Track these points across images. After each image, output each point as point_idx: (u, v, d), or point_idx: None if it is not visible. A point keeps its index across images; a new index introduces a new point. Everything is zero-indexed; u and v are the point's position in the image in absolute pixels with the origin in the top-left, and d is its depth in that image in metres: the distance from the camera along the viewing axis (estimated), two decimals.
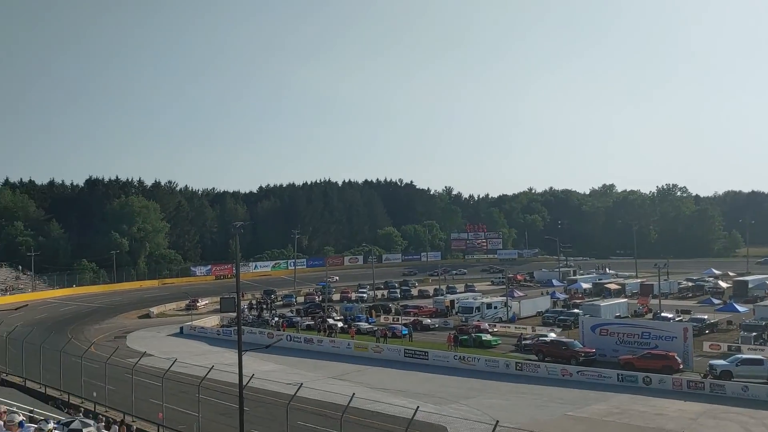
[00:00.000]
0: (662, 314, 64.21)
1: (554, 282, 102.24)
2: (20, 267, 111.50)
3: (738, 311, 66.69)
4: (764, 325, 53.60)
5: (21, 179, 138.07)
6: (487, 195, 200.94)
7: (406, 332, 60.44)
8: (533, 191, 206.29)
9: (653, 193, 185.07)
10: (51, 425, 9.55)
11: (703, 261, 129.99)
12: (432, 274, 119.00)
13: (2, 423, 9.48)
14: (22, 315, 77.16)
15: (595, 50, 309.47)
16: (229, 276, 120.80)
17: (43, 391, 38.63)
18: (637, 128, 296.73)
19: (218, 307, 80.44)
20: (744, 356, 44.31)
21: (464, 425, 31.62)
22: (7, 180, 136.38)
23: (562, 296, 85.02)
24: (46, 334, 50.47)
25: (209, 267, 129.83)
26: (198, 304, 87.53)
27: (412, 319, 68.17)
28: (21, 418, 10.19)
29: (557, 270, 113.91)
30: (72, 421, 20.00)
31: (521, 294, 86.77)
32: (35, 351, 43.39)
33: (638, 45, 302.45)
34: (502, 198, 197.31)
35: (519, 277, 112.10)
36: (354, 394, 26.61)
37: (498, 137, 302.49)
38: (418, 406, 25.11)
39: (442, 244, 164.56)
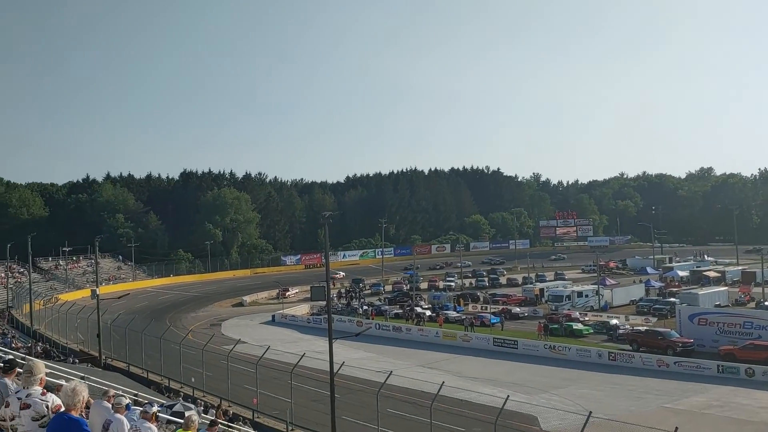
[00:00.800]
0: (765, 303, 61.25)
1: (648, 270, 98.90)
2: (121, 257, 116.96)
3: None
4: None
5: (120, 173, 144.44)
6: (577, 181, 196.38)
7: (496, 321, 59.96)
8: (625, 176, 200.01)
9: (755, 176, 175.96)
10: (155, 408, 9.96)
11: None
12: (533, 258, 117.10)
13: (110, 405, 9.92)
14: (124, 303, 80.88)
15: (688, 32, 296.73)
16: (318, 265, 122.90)
17: (145, 376, 40.51)
18: (735, 108, 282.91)
19: (308, 295, 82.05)
20: None
21: (555, 415, 31.14)
22: (108, 175, 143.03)
23: (657, 284, 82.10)
24: (147, 322, 52.72)
25: (299, 256, 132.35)
26: (288, 293, 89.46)
27: (501, 307, 67.54)
28: (127, 400, 10.65)
29: (651, 257, 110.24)
30: (174, 404, 20.87)
31: (613, 282, 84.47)
32: (137, 338, 45.51)
33: (730, 23, 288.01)
34: (592, 184, 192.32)
35: (611, 264, 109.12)
36: (443, 382, 26.67)
37: (588, 121, 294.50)
38: (508, 395, 24.95)
39: (531, 232, 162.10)
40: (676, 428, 19.77)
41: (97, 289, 53.29)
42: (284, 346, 47.89)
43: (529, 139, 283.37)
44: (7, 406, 6.76)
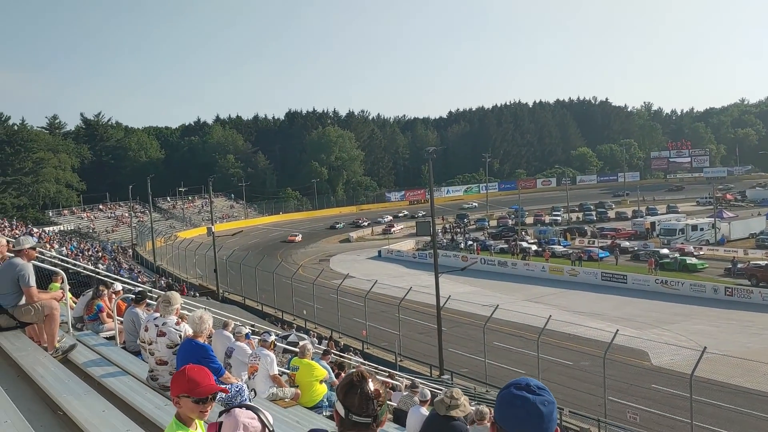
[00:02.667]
0: None
1: None
2: (233, 196, 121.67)
3: None
4: None
5: (229, 115, 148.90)
6: (692, 109, 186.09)
7: (604, 255, 58.76)
8: (746, 102, 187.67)
9: None
10: (273, 337, 10.52)
11: None
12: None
13: (231, 334, 10.56)
14: (238, 240, 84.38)
15: None
16: (422, 201, 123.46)
17: (260, 309, 42.48)
18: None
19: (413, 231, 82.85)
20: None
21: (667, 350, 30.52)
22: (217, 117, 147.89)
23: None
24: (259, 258, 54.89)
25: (403, 193, 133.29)
26: (393, 229, 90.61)
27: (610, 242, 65.98)
28: (247, 330, 11.29)
29: None
30: (288, 335, 21.87)
31: (731, 215, 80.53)
32: (251, 273, 47.61)
33: None
34: (709, 111, 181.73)
35: (728, 196, 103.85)
36: (550, 316, 26.64)
37: (704, 44, 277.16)
38: (617, 330, 24.66)
39: (641, 164, 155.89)
40: None
41: (213, 227, 55.78)
42: (391, 280, 48.85)
43: (639, 66, 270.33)
44: (146, 330, 7.35)
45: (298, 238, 50.16)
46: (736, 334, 34.74)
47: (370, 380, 2.65)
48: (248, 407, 3.24)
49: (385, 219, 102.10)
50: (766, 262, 49.78)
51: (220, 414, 3.18)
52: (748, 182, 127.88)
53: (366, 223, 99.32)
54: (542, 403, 2.32)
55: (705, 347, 21.96)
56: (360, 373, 2.70)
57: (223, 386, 4.08)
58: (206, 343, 7.26)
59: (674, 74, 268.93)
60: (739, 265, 49.70)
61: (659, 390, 25.98)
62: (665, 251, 56.77)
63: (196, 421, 3.74)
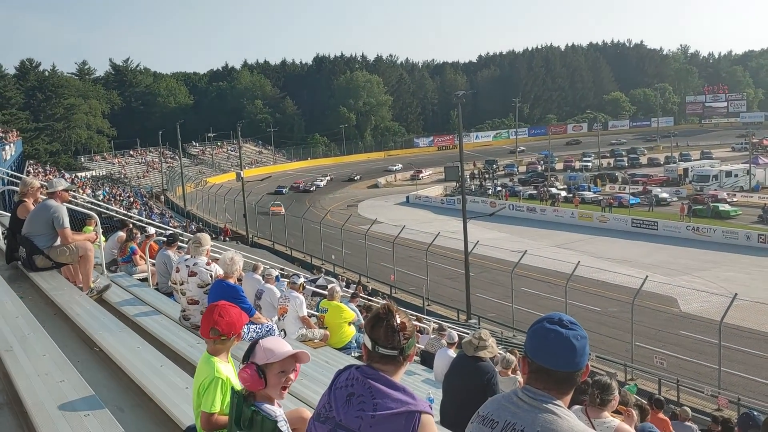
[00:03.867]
0: None
1: None
2: (261, 142, 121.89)
3: None
4: None
5: (257, 60, 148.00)
6: (730, 52, 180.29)
7: (635, 201, 58.13)
8: None
9: None
10: (302, 279, 10.63)
11: None
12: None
13: (260, 277, 10.68)
14: (266, 185, 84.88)
15: None
16: (451, 146, 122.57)
17: (289, 253, 42.96)
18: None
19: (441, 177, 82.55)
20: None
21: (697, 297, 30.35)
22: (245, 62, 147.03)
23: None
24: (288, 203, 55.26)
25: (431, 138, 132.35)
26: (422, 175, 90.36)
27: (641, 188, 65.14)
28: (276, 273, 11.42)
29: None
30: (317, 278, 22.12)
31: (767, 161, 78.82)
32: (280, 218, 48.00)
33: None
34: (748, 54, 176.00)
35: (765, 141, 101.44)
36: (579, 262, 26.58)
37: None
38: (646, 276, 24.56)
39: (676, 109, 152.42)
40: None
41: (242, 172, 56.13)
42: (419, 225, 48.92)
43: (676, 6, 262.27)
44: (177, 271, 7.46)
45: (281, 209, 50.06)
46: None
47: (397, 314, 2.66)
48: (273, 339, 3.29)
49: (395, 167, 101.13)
50: None
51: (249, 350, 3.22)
52: None
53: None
54: (575, 338, 2.32)
55: (735, 294, 21.80)
56: (387, 306, 2.72)
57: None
58: (237, 284, 7.35)
59: (712, 15, 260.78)
60: None
61: (687, 336, 25.94)
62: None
63: (227, 355, 3.82)
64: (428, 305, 30.16)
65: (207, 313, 3.78)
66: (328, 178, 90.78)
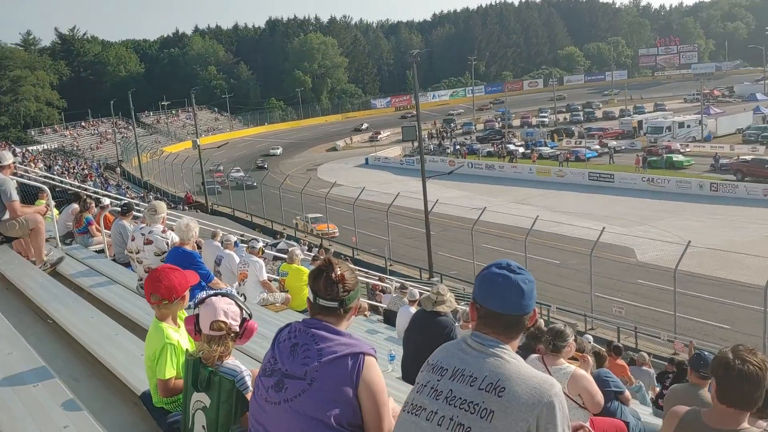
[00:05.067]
0: None
1: (758, 96, 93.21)
2: (217, 109, 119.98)
3: None
4: None
5: (208, 25, 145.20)
6: (681, 3, 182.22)
7: (592, 155, 58.90)
8: None
9: None
10: (261, 244, 10.57)
11: None
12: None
13: (220, 243, 10.60)
14: (224, 153, 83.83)
15: None
16: (408, 107, 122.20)
17: (250, 220, 42.71)
18: None
19: (400, 138, 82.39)
20: None
21: (653, 246, 31.02)
22: (196, 27, 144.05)
23: (767, 111, 77.63)
24: (246, 169, 54.70)
25: (388, 99, 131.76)
26: (380, 136, 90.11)
27: (597, 141, 65.94)
28: (235, 238, 11.34)
29: (762, 82, 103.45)
30: (278, 243, 22.04)
31: (718, 111, 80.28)
32: (239, 185, 47.52)
33: None
34: (699, 5, 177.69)
35: (716, 92, 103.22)
36: (537, 216, 26.89)
37: None
38: (603, 227, 25.00)
39: (629, 62, 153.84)
40: None
41: (198, 140, 55.25)
42: (379, 187, 48.92)
43: None
44: (133, 240, 7.35)
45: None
46: (721, 228, 35.30)
47: (337, 266, 2.68)
48: (224, 294, 3.25)
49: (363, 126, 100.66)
50: (752, 157, 50.11)
51: (197, 305, 3.19)
52: (736, 77, 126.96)
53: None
54: (523, 282, 2.35)
55: (689, 242, 22.36)
56: (327, 259, 2.73)
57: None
58: (194, 250, 7.28)
59: None
60: (725, 161, 49.95)
61: (644, 284, 26.56)
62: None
63: (176, 319, 3.77)
64: (391, 265, 30.33)
65: (147, 280, 3.74)
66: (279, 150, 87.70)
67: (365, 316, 14.53)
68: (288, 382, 2.59)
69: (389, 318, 13.23)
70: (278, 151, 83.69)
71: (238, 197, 47.25)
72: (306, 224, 38.27)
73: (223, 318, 3.13)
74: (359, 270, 23.37)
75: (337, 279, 2.66)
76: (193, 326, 3.17)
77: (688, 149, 58.60)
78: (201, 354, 3.11)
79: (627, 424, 5.48)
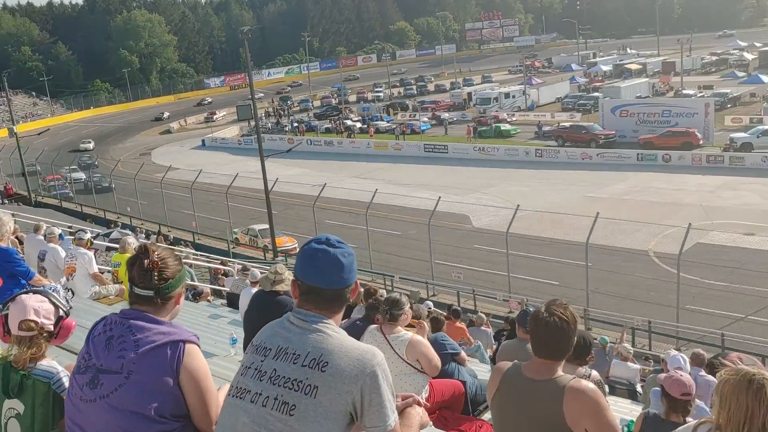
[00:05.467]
0: (683, 91, 63.36)
1: (573, 66, 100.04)
2: (35, 93, 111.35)
3: (763, 82, 65.45)
4: None
5: (18, 2, 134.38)
6: None
7: (426, 128, 60.69)
8: None
9: None
10: (89, 235, 9.96)
11: (729, 33, 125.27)
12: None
13: (42, 237, 9.91)
14: (46, 140, 78.02)
15: None
16: (243, 85, 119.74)
17: (80, 210, 40.23)
18: None
19: (236, 117, 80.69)
20: (765, 127, 44.12)
21: (486, 212, 32.67)
22: (5, 5, 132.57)
23: (582, 80, 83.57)
24: (73, 157, 51.44)
25: (222, 78, 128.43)
26: (216, 116, 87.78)
27: (431, 114, 68.01)
28: (59, 231, 10.63)
29: (576, 54, 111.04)
30: (111, 232, 20.96)
31: (539, 81, 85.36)
32: (87, 186, 44.63)
33: None
34: None
35: (536, 63, 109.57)
36: (377, 189, 27.40)
37: None
38: (439, 197, 25.85)
39: (457, 36, 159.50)
40: (597, 213, 21.07)
41: (15, 127, 51.09)
42: (217, 168, 47.67)
43: None
44: None
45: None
46: (546, 191, 37.74)
47: (153, 253, 2.56)
48: (36, 291, 3.03)
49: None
50: (570, 123, 53.76)
51: (4, 304, 2.96)
52: (553, 50, 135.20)
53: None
54: (342, 255, 2.36)
55: (518, 205, 23.71)
56: (144, 245, 2.61)
57: None
58: (10, 246, 6.76)
59: None
60: (547, 128, 53.25)
61: (480, 249, 27.92)
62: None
63: None
64: (234, 248, 29.82)
65: None
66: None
67: (208, 301, 14.22)
68: (103, 378, 2.46)
69: (232, 301, 13.02)
70: (90, 146, 74.99)
71: (98, 200, 43.58)
72: (254, 239, 31.84)
73: (33, 317, 2.91)
74: (201, 255, 22.78)
75: (151, 266, 2.53)
76: (1, 327, 2.93)
77: (514, 118, 61.94)
78: (11, 357, 2.88)
79: (464, 383, 5.73)
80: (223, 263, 19.17)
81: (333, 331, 2.31)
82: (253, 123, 54.22)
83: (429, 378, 5.21)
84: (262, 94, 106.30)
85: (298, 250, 25.59)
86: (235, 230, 32.71)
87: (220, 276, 17.94)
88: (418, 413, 2.54)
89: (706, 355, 8.77)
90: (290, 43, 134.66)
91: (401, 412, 2.51)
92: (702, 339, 18.29)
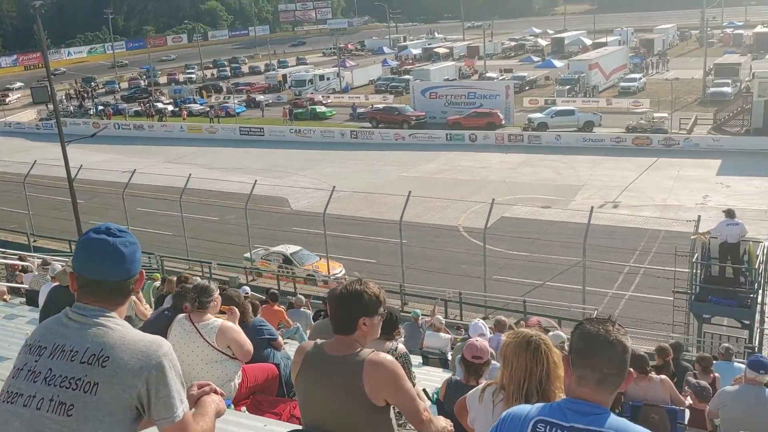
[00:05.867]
0: (487, 74, 67.16)
1: (385, 49, 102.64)
2: None
3: (555, 67, 70.95)
4: (577, 79, 57.37)
5: None
6: None
7: (241, 110, 59.66)
8: None
9: None
10: None
11: (525, 21, 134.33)
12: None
13: None
14: None
15: None
16: (40, 65, 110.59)
17: None
18: None
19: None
20: (558, 108, 47.89)
21: (304, 194, 32.80)
22: None
23: (393, 63, 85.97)
24: None
25: (15, 57, 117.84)
26: (9, 99, 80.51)
27: (245, 96, 66.89)
28: None
29: (387, 37, 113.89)
30: None
31: (353, 63, 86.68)
32: None
33: None
34: None
35: (350, 46, 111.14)
36: (190, 175, 26.55)
37: None
38: (255, 180, 25.58)
39: (271, 17, 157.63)
40: (409, 192, 21.86)
41: None
42: (13, 156, 43.90)
43: None
44: None
45: None
46: (362, 172, 38.60)
47: None
48: None
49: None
50: (383, 105, 55.16)
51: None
52: (366, 32, 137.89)
53: None
54: (123, 245, 2.27)
55: (334, 187, 24.03)
56: None
57: None
58: None
59: None
60: (362, 110, 54.27)
61: (299, 231, 27.98)
62: None
63: None
64: (34, 241, 27.72)
65: None
66: None
67: (5, 300, 13.10)
68: None
69: (32, 298, 12.08)
70: None
71: None
72: (286, 267, 23.69)
73: None
74: None
75: None
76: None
77: (329, 100, 62.50)
78: None
79: (278, 365, 5.75)
80: (21, 258, 17.72)
81: (116, 324, 2.22)
82: (51, 106, 50.38)
83: (242, 364, 5.18)
84: (64, 70, 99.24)
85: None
86: (250, 255, 24.54)
87: (18, 272, 16.56)
88: (214, 401, 2.50)
89: (508, 321, 9.43)
90: (92, 20, 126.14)
91: (196, 401, 2.46)
92: (507, 306, 19.67)
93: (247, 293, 11.92)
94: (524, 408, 2.28)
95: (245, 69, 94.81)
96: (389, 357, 3.03)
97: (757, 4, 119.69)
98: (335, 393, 2.97)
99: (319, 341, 3.14)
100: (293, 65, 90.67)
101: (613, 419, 2.12)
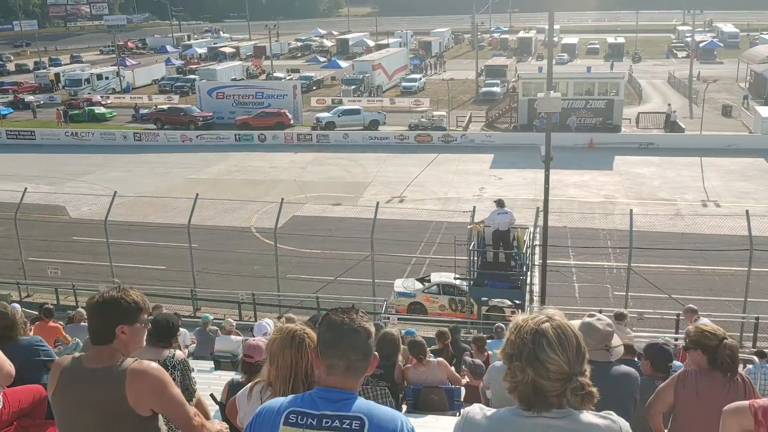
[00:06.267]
0: (274, 74, 67.16)
1: (168, 48, 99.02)
2: None
3: (341, 67, 72.63)
4: (362, 79, 59.06)
5: None
6: None
7: (8, 112, 54.70)
8: None
9: None
10: None
11: (310, 21, 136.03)
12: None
13: None
14: None
15: None
16: None
17: None
18: None
19: None
20: (344, 107, 49.08)
21: (84, 201, 30.81)
22: None
23: (178, 62, 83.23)
24: None
25: None
26: None
27: (12, 97, 61.23)
28: None
29: (171, 35, 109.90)
30: None
31: (134, 62, 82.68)
32: None
33: None
34: None
35: (130, 44, 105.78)
36: None
37: None
38: (25, 188, 23.76)
39: (39, 11, 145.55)
40: (197, 195, 21.32)
41: None
42: None
43: None
44: None
45: None
46: (147, 176, 37.00)
47: None
48: None
49: None
50: (168, 105, 53.23)
51: None
52: (148, 30, 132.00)
53: None
54: None
55: (115, 192, 22.80)
56: None
57: None
58: None
59: None
60: (145, 111, 51.95)
61: (81, 240, 26.24)
62: None
63: None
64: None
65: None
66: None
67: None
68: None
69: None
70: None
71: None
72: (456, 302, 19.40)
73: None
74: None
75: None
76: None
77: (109, 101, 59.32)
78: None
79: (45, 385, 5.40)
80: None
81: None
82: None
83: (2, 388, 4.80)
84: None
85: None
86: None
87: None
88: None
89: (296, 318, 9.57)
90: None
91: None
92: (301, 304, 19.91)
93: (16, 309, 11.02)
94: (277, 401, 2.36)
95: (11, 67, 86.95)
96: (153, 364, 2.98)
97: (519, 12, 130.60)
98: (95, 406, 2.86)
99: (77, 354, 3.02)
100: (67, 63, 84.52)
101: (360, 402, 2.27)
